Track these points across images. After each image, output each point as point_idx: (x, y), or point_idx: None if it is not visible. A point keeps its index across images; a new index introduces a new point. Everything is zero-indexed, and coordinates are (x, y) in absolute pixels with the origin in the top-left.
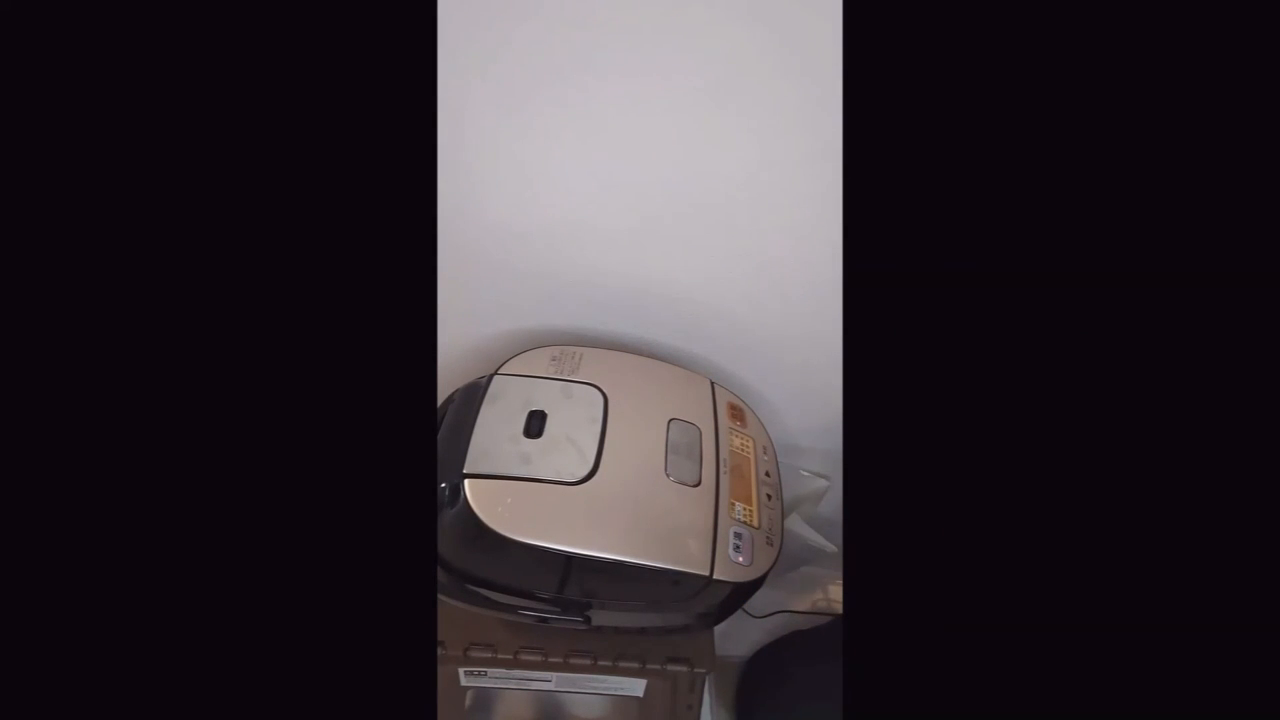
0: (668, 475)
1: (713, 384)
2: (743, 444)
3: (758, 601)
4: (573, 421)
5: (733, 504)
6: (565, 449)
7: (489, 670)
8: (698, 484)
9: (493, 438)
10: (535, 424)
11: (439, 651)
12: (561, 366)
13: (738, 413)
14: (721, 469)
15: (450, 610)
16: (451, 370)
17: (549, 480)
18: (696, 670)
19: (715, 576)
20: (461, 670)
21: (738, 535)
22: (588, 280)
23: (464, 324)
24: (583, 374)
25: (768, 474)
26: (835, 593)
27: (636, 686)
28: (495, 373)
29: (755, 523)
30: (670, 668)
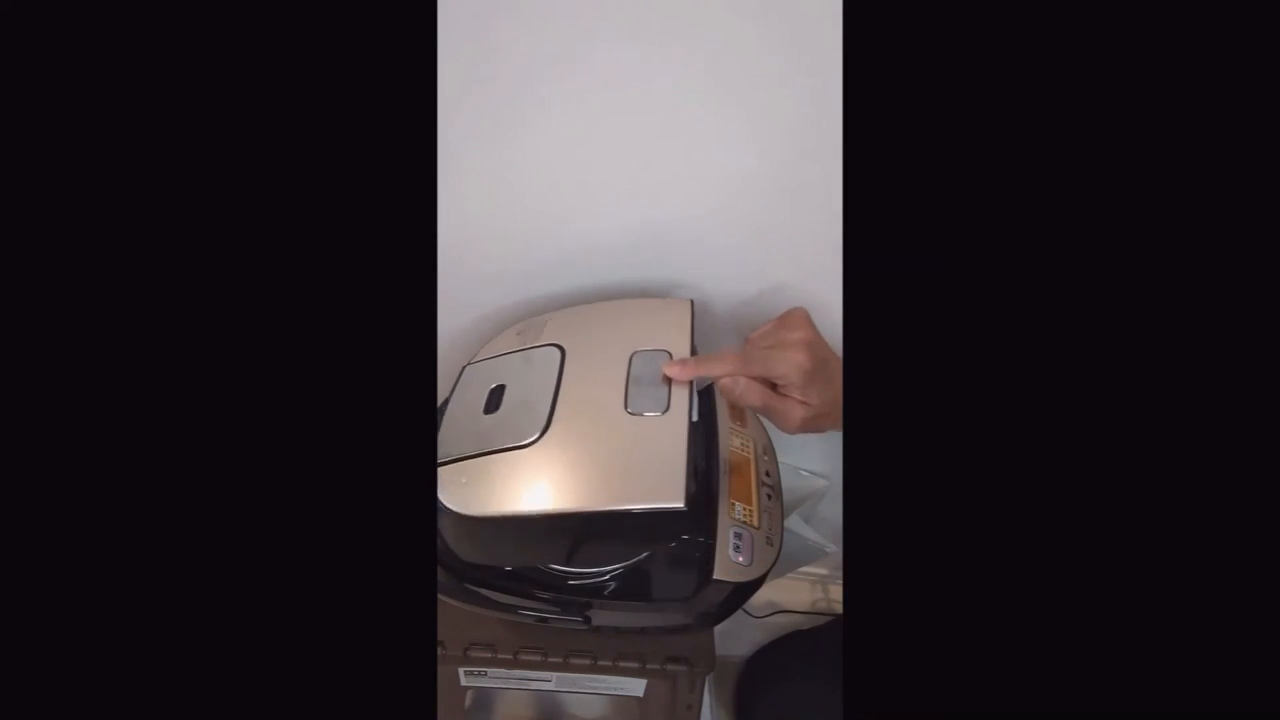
0: (627, 410)
1: (693, 305)
2: (743, 444)
3: (758, 601)
4: (529, 386)
5: (733, 504)
6: (520, 415)
7: (489, 670)
8: (665, 410)
9: (455, 425)
10: (495, 399)
11: (439, 651)
12: (526, 338)
13: (738, 413)
14: (721, 469)
15: (450, 610)
16: (451, 370)
17: (503, 449)
18: (696, 670)
19: (715, 576)
20: (461, 670)
21: (738, 535)
22: (587, 280)
23: (462, 323)
24: (545, 338)
25: (768, 474)
26: (835, 593)
27: (636, 686)
28: (466, 365)
29: (755, 523)
30: (670, 668)
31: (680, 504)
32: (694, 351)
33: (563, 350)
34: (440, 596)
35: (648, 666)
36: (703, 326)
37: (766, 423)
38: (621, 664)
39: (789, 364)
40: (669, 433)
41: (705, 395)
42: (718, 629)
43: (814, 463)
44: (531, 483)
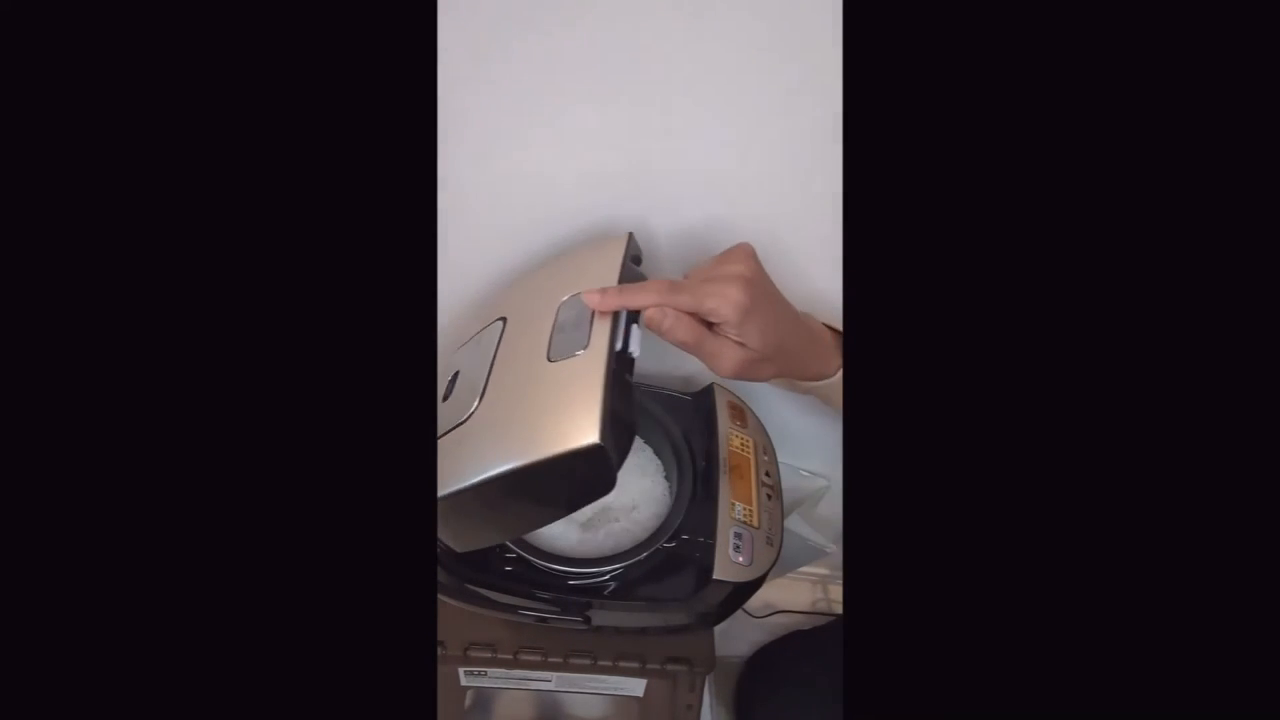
0: (549, 359)
1: (630, 238)
2: (743, 444)
3: (758, 601)
4: (474, 366)
5: (733, 504)
6: (465, 394)
7: (489, 670)
8: (585, 347)
9: None
10: (450, 387)
11: (439, 651)
12: (480, 320)
13: (738, 413)
14: (721, 469)
15: (450, 610)
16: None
17: (447, 431)
18: (696, 670)
19: (715, 576)
20: (461, 670)
21: (738, 535)
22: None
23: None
24: (494, 314)
25: (768, 474)
26: (835, 593)
27: (636, 686)
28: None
29: (755, 523)
30: (670, 668)
31: (594, 439)
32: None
33: (505, 321)
34: (440, 596)
35: (648, 666)
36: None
37: (767, 423)
38: (621, 664)
39: (723, 299)
40: (586, 370)
41: (704, 395)
42: (718, 629)
43: (814, 463)
44: (468, 455)
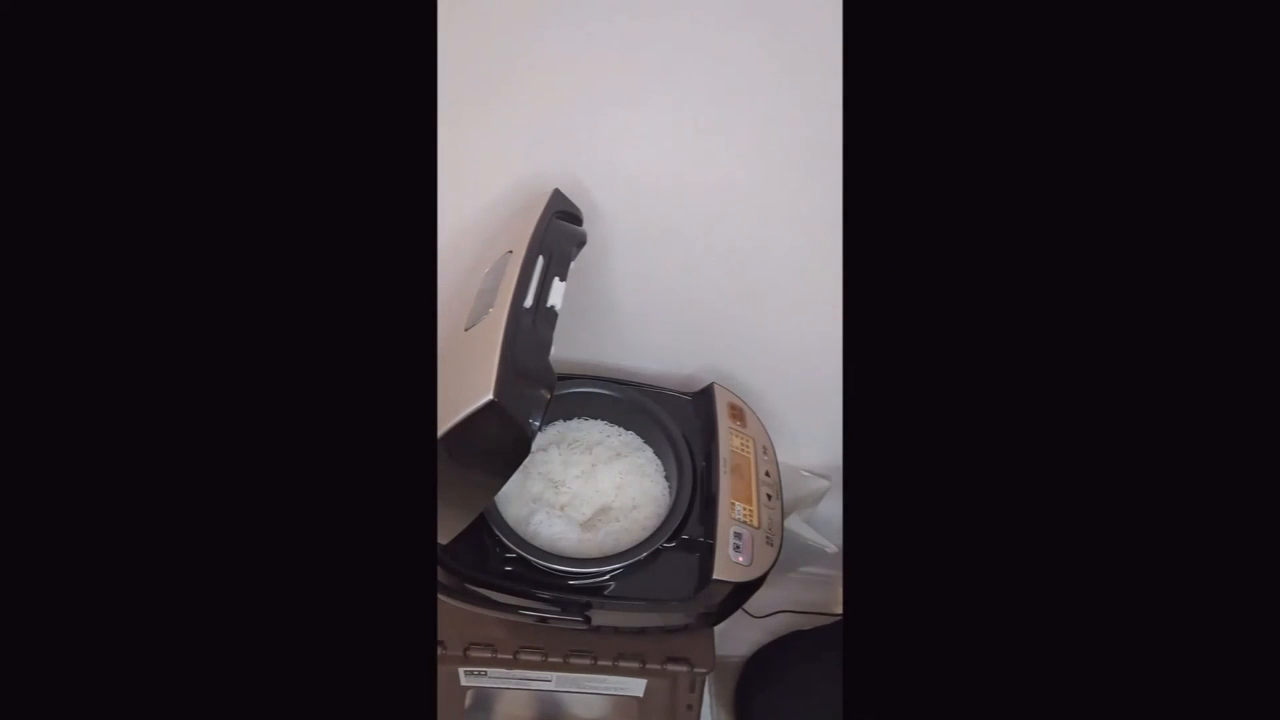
0: (465, 329)
1: (555, 193)
2: (743, 444)
3: (758, 601)
4: None
5: (733, 504)
6: None
7: (489, 670)
8: (490, 308)
9: None
10: None
11: (439, 651)
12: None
13: (738, 413)
14: (721, 469)
15: (450, 610)
16: None
17: None
18: (696, 670)
19: (715, 576)
20: (461, 670)
21: (738, 535)
22: (587, 280)
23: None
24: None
25: (768, 474)
26: (835, 593)
27: (636, 686)
28: None
29: (755, 523)
30: (670, 668)
31: (488, 396)
32: (537, 238)
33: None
34: (440, 596)
35: (648, 666)
36: (700, 322)
37: (767, 423)
38: (621, 664)
39: None
40: (491, 330)
41: (704, 395)
42: (718, 629)
43: (814, 463)
44: None
